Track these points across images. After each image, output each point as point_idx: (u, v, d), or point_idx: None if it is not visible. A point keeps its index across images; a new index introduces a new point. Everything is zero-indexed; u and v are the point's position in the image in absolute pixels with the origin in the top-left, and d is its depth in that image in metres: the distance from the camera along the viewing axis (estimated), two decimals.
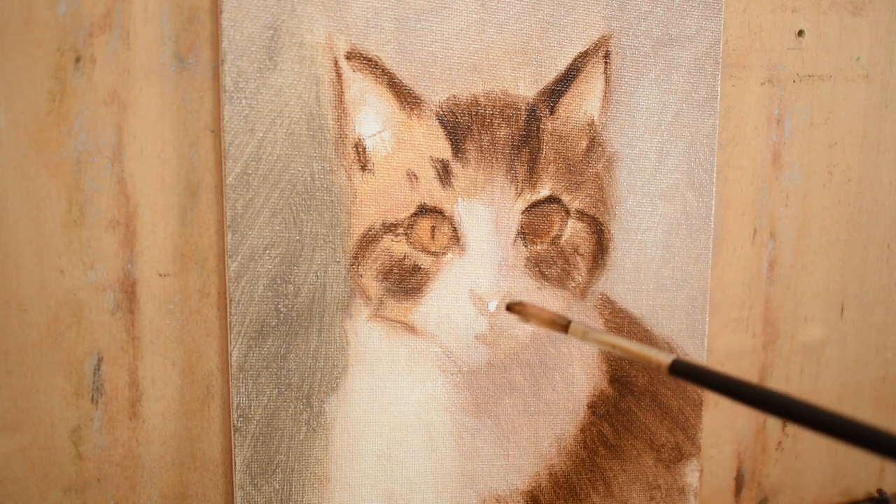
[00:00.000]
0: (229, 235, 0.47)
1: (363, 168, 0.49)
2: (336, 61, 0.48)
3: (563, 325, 0.46)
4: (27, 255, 0.45)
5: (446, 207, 0.51)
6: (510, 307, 0.50)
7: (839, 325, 0.67)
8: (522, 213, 0.52)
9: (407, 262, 0.51)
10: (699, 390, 0.58)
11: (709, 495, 0.64)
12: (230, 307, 0.48)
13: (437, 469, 0.53)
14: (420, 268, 0.51)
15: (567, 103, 0.53)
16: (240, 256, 0.48)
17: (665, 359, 0.38)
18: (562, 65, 0.53)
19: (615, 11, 0.53)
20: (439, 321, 0.52)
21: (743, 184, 0.61)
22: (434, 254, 0.51)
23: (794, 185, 0.63)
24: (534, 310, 0.49)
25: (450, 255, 0.51)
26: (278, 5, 0.46)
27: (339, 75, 0.48)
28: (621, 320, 0.56)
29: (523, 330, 0.54)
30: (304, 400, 0.50)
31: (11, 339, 0.45)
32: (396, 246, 0.50)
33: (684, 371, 0.38)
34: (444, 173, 0.51)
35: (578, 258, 0.54)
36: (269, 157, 0.47)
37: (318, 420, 0.50)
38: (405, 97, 0.50)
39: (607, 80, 0.54)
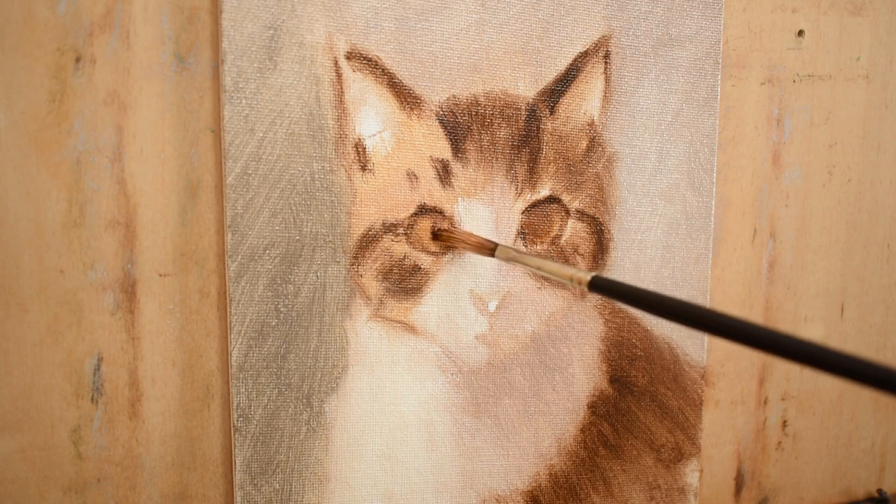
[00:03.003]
0: (229, 235, 0.47)
1: (363, 168, 0.49)
2: (336, 61, 0.48)
3: (489, 249, 0.48)
4: (27, 255, 0.45)
5: (446, 207, 0.51)
6: (436, 233, 0.50)
7: (839, 325, 0.67)
8: (522, 213, 0.52)
9: (407, 262, 0.51)
10: (699, 390, 0.58)
11: (709, 495, 0.64)
12: (230, 307, 0.48)
13: (437, 469, 0.53)
14: (420, 268, 0.51)
15: (567, 103, 0.53)
16: (240, 256, 0.48)
17: (585, 276, 0.40)
18: (562, 65, 0.53)
19: (615, 11, 0.53)
20: (439, 321, 0.52)
21: (743, 184, 0.61)
22: (434, 254, 0.51)
23: (794, 185, 0.63)
24: (462, 235, 0.49)
25: (450, 255, 0.51)
26: (278, 5, 0.46)
27: (339, 75, 0.48)
28: (621, 320, 0.56)
29: (523, 330, 0.54)
30: (304, 400, 0.50)
31: (11, 339, 0.45)
32: (396, 246, 0.50)
33: (603, 287, 0.39)
34: (444, 173, 0.51)
35: (578, 258, 0.54)
36: (269, 157, 0.47)
37: (318, 420, 0.50)
38: (405, 97, 0.50)
39: (607, 80, 0.54)
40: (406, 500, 0.53)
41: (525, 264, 0.45)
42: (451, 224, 0.51)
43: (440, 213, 0.51)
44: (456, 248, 0.50)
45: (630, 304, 0.37)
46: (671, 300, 0.35)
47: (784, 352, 0.30)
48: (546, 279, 0.53)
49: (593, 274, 0.40)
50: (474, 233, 0.50)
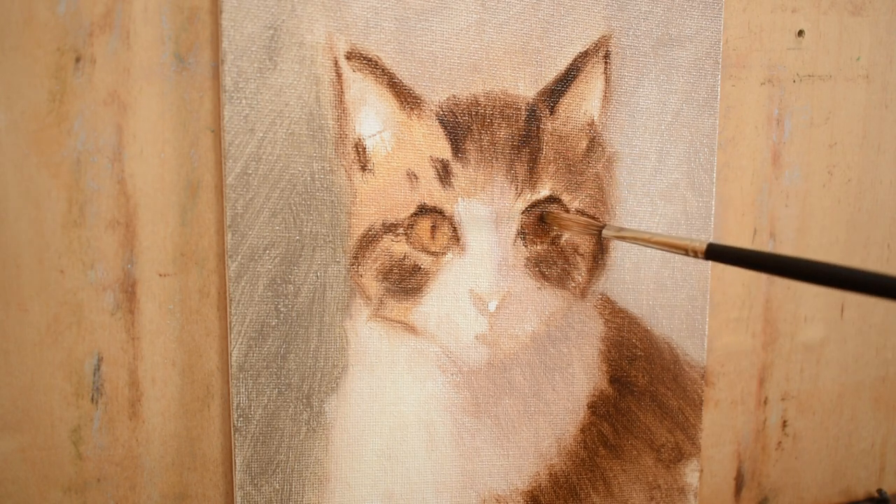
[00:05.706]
0: (229, 235, 0.47)
1: (363, 168, 0.49)
2: (336, 61, 0.48)
3: (597, 228, 0.51)
4: (27, 255, 0.45)
5: (446, 207, 0.51)
6: (543, 216, 0.52)
7: (839, 325, 0.67)
8: (522, 212, 0.52)
9: (407, 262, 0.51)
10: (699, 390, 0.58)
11: (709, 495, 0.64)
12: (230, 307, 0.48)
13: (437, 469, 0.53)
14: (420, 268, 0.51)
15: (567, 103, 0.53)
16: (240, 256, 0.48)
17: (700, 245, 0.41)
18: (562, 65, 0.53)
19: (615, 11, 0.53)
20: (439, 321, 0.52)
21: (743, 184, 0.61)
22: (434, 254, 0.51)
23: (794, 185, 0.63)
24: (569, 217, 0.52)
25: (450, 255, 0.51)
26: (278, 5, 0.46)
27: (339, 75, 0.48)
28: (621, 320, 0.56)
29: (523, 330, 0.54)
30: (304, 400, 0.50)
31: (11, 339, 0.45)
32: (396, 246, 0.50)
33: (719, 253, 0.40)
34: (444, 173, 0.51)
35: (578, 258, 0.54)
36: (269, 157, 0.47)
37: (318, 420, 0.50)
38: (405, 97, 0.50)
39: (607, 80, 0.54)
40: (406, 500, 0.53)
41: (635, 239, 0.47)
42: (451, 224, 0.51)
43: (440, 213, 0.51)
44: (565, 229, 0.52)
45: (751, 268, 0.38)
46: (791, 259, 0.36)
47: None
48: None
49: (709, 241, 0.41)
50: (580, 216, 0.52)
